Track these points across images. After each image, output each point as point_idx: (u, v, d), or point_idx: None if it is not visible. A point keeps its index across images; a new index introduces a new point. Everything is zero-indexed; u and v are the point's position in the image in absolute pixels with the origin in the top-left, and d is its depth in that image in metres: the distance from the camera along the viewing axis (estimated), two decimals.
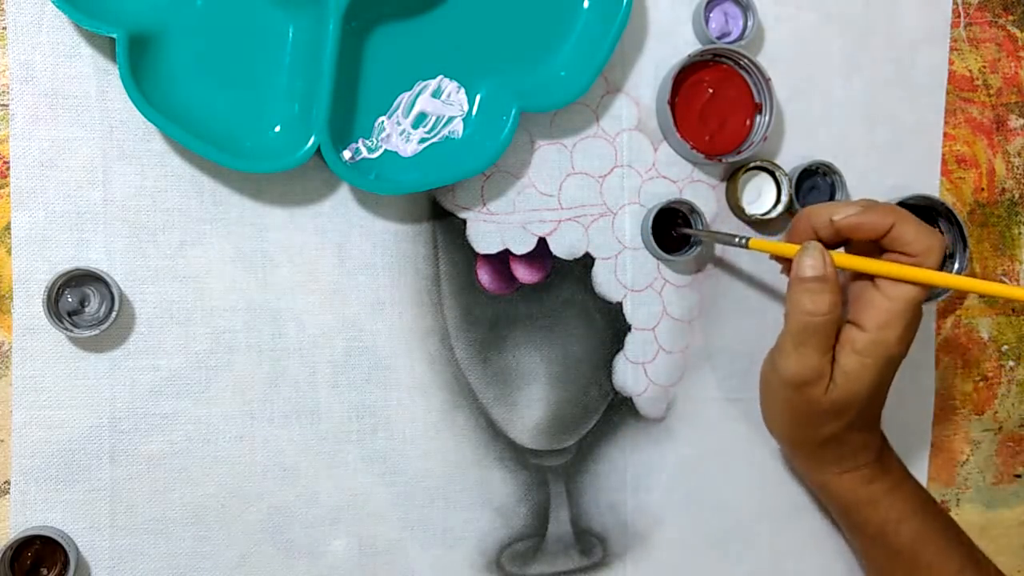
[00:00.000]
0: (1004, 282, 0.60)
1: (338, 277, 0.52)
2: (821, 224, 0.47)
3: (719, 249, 0.56)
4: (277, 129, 0.50)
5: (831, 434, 0.49)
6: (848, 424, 0.49)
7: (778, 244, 0.49)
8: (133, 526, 0.50)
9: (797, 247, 0.47)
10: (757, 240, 0.50)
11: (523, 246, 0.54)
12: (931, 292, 0.57)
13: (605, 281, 0.55)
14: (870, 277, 0.47)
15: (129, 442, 0.50)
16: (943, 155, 0.59)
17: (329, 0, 0.47)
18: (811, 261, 0.46)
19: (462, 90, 0.52)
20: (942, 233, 0.56)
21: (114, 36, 0.46)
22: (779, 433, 0.53)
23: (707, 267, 0.56)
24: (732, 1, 0.55)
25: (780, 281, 0.57)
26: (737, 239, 0.51)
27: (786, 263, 0.51)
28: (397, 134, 0.51)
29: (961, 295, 0.59)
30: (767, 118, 0.54)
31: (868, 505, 0.51)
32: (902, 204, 0.56)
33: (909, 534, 0.51)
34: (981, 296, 0.60)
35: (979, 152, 0.60)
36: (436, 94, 0.52)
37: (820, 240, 0.47)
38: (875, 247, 0.47)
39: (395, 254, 0.53)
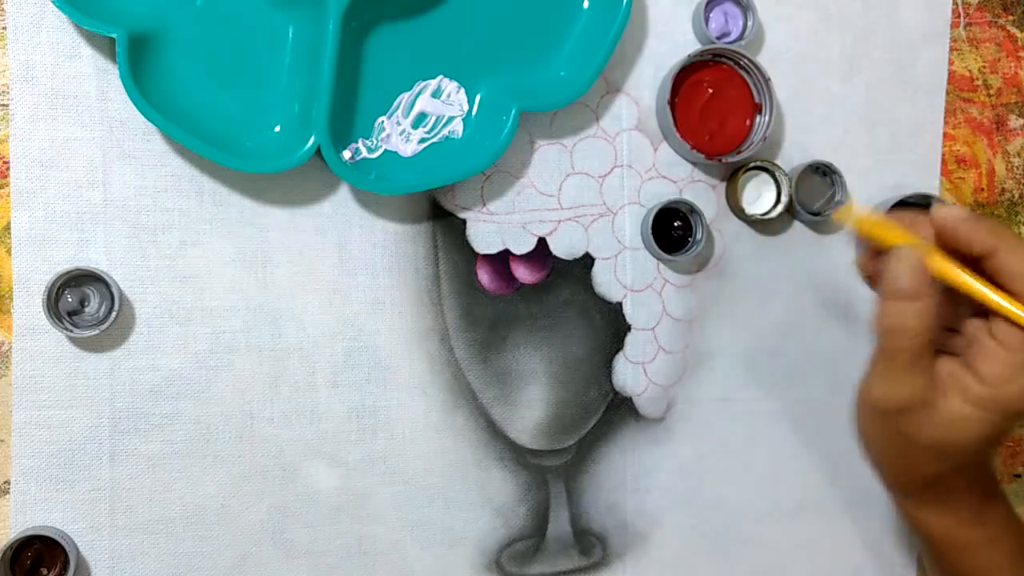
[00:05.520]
0: None
1: (338, 277, 0.52)
2: (927, 234, 0.42)
3: (719, 249, 0.56)
4: (277, 129, 0.50)
5: (934, 475, 0.44)
6: (955, 468, 0.43)
7: (884, 228, 0.43)
8: (133, 526, 0.50)
9: (897, 238, 0.42)
10: (863, 218, 0.45)
11: (523, 246, 0.54)
12: None
13: (605, 281, 0.55)
14: (985, 315, 0.41)
15: (129, 442, 0.50)
16: (943, 155, 0.59)
17: (329, 0, 0.47)
18: (901, 270, 0.40)
19: (462, 90, 0.52)
20: None
21: (114, 36, 0.46)
22: (874, 464, 0.47)
23: (707, 267, 0.56)
24: (732, 1, 0.55)
25: (780, 281, 0.57)
26: (837, 202, 0.48)
27: (867, 257, 0.46)
28: (397, 134, 0.51)
29: None
30: (767, 118, 0.54)
31: (963, 552, 0.46)
32: (902, 203, 0.56)
33: None
34: None
35: (979, 152, 0.60)
36: (436, 94, 0.52)
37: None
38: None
39: (395, 254, 0.53)
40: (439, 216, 0.53)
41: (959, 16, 0.59)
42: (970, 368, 0.41)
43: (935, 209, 0.42)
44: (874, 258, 0.47)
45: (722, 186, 0.56)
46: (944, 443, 0.42)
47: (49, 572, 0.49)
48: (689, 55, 0.53)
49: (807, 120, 0.57)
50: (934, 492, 0.45)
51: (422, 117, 0.52)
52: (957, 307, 0.43)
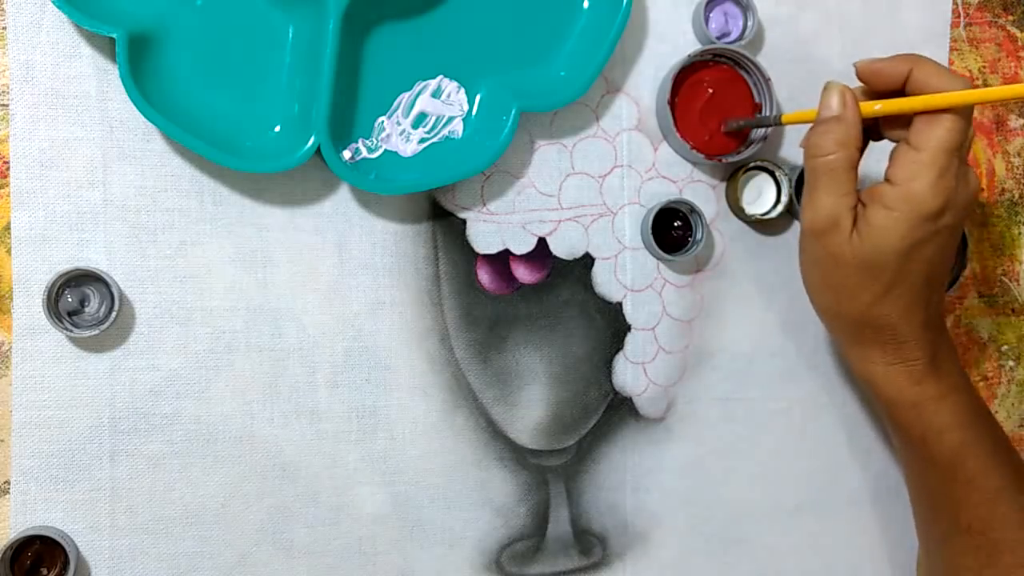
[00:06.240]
0: (1004, 283, 0.60)
1: (338, 277, 0.52)
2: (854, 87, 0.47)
3: (719, 249, 0.56)
4: (277, 129, 0.50)
5: (868, 304, 0.46)
6: (885, 292, 0.46)
7: (810, 111, 0.48)
8: (133, 526, 0.50)
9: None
10: (788, 115, 0.50)
11: (523, 246, 0.54)
12: None
13: (605, 281, 0.55)
14: (907, 135, 0.46)
15: (129, 442, 0.50)
16: None
17: (329, 0, 0.47)
18: (825, 101, 0.46)
19: (462, 90, 0.52)
20: None
21: (114, 36, 0.46)
22: (816, 302, 0.50)
23: (707, 267, 0.56)
24: (732, 1, 0.55)
25: (780, 281, 0.57)
26: (771, 118, 0.52)
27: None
28: (397, 134, 0.51)
29: (961, 295, 0.60)
30: None
31: (912, 408, 0.48)
32: None
33: (951, 445, 0.48)
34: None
35: (979, 152, 0.60)
36: (436, 94, 0.52)
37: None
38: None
39: (395, 254, 0.53)
40: (439, 216, 0.53)
41: (959, 16, 0.59)
42: (887, 178, 0.45)
43: (857, 62, 0.47)
44: None
45: (722, 186, 0.56)
46: (870, 258, 0.45)
47: (49, 572, 0.49)
48: (689, 55, 0.53)
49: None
50: (877, 335, 0.48)
51: (422, 117, 0.52)
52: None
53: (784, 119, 0.50)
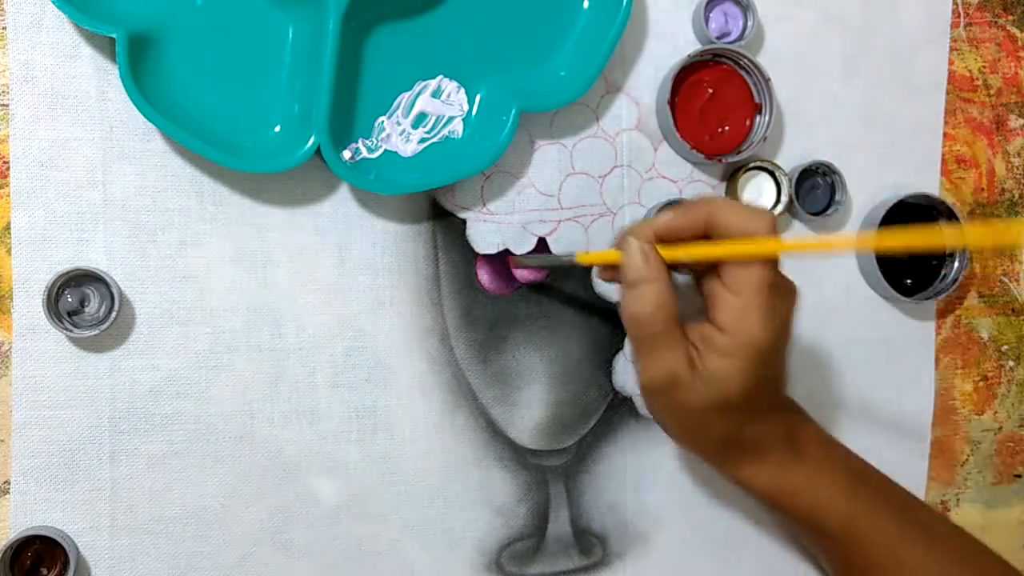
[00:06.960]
0: (1004, 283, 0.60)
1: (338, 277, 0.52)
2: (646, 240, 0.45)
3: None
4: (277, 129, 0.50)
5: (725, 434, 0.46)
6: (740, 422, 0.45)
7: (604, 253, 0.48)
8: (133, 526, 0.50)
9: (616, 255, 0.45)
10: (582, 253, 0.49)
11: (523, 246, 0.54)
12: (934, 289, 0.57)
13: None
14: (717, 273, 0.44)
15: (129, 442, 0.50)
16: (943, 155, 0.59)
17: (329, 0, 0.47)
18: (628, 262, 0.44)
19: (462, 90, 0.52)
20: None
21: (114, 36, 0.46)
22: (674, 439, 0.49)
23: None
24: (732, 1, 0.55)
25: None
26: (564, 258, 0.50)
27: (603, 271, 0.50)
28: (397, 134, 0.51)
29: (961, 295, 0.59)
30: (767, 118, 0.54)
31: (791, 495, 0.48)
32: (902, 203, 0.56)
33: (839, 516, 0.47)
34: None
35: (979, 152, 0.60)
36: (436, 94, 0.52)
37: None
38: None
39: (395, 254, 0.53)
40: (439, 216, 0.53)
41: (959, 16, 0.59)
42: (713, 323, 0.44)
43: (653, 224, 0.45)
44: (610, 269, 0.49)
45: (722, 186, 0.56)
46: (717, 402, 0.44)
47: (49, 572, 0.49)
48: (689, 55, 0.53)
49: (807, 120, 0.57)
50: (739, 450, 0.47)
51: (422, 117, 0.52)
52: (701, 285, 0.46)
53: (579, 259, 0.49)
